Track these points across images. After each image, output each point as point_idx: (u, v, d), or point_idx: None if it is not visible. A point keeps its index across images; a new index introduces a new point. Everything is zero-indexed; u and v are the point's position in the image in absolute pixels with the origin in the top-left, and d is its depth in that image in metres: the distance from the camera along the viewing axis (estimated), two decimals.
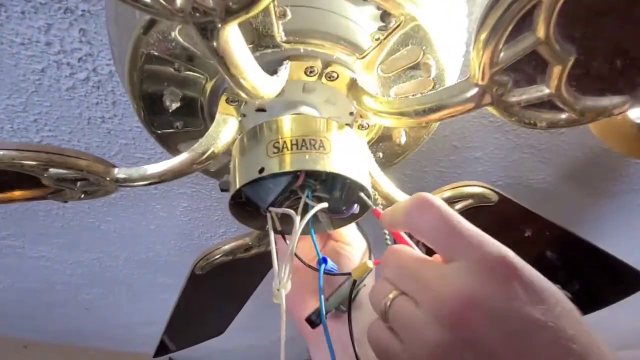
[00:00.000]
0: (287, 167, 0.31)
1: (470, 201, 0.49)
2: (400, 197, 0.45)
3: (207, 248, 0.54)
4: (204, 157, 0.39)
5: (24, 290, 1.23)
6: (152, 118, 0.41)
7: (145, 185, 0.38)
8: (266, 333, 1.66)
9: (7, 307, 1.35)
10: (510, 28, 0.26)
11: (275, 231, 0.36)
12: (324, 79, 0.37)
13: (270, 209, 0.33)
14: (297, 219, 0.33)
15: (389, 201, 0.45)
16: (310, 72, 0.36)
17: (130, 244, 1.02)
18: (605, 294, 0.66)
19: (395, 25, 0.33)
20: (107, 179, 0.36)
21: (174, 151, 0.47)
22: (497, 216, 0.53)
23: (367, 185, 0.34)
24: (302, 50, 0.35)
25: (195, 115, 0.41)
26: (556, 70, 0.28)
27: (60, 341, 1.77)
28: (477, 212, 0.52)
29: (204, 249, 0.55)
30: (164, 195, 0.83)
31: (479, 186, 0.48)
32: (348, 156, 0.33)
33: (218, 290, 0.60)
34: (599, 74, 0.29)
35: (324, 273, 0.36)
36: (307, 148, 0.32)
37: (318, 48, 0.35)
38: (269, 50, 0.34)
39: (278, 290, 0.32)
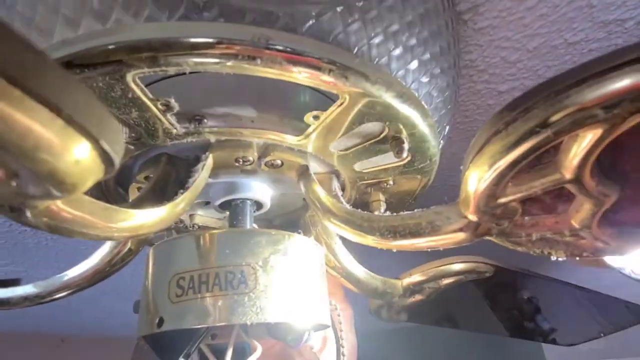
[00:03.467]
0: (192, 322, 0.21)
1: (460, 277, 0.40)
2: (371, 279, 0.37)
3: None
4: (119, 257, 0.30)
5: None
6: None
7: (44, 302, 0.29)
8: None
9: (37, 311, 1.34)
10: (522, 164, 0.16)
11: None
12: (264, 167, 0.27)
13: None
14: (229, 353, 0.25)
15: (360, 287, 0.37)
16: (245, 162, 0.26)
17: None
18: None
19: (339, 103, 0.23)
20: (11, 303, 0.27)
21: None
22: (493, 286, 0.45)
23: (311, 319, 0.25)
24: (225, 138, 0.25)
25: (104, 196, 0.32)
26: (587, 207, 0.19)
27: (93, 334, 1.84)
28: (468, 284, 0.43)
29: None
30: None
31: (470, 262, 0.39)
32: (282, 288, 0.23)
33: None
34: None
35: None
36: (220, 288, 0.22)
37: (248, 133, 0.25)
38: (179, 141, 0.24)
39: None
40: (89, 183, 0.10)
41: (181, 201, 0.22)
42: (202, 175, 0.23)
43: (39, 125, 0.08)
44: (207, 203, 0.33)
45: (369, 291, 0.36)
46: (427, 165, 0.29)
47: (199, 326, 0.21)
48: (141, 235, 0.20)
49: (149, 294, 0.24)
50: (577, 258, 0.22)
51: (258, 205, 0.31)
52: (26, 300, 0.27)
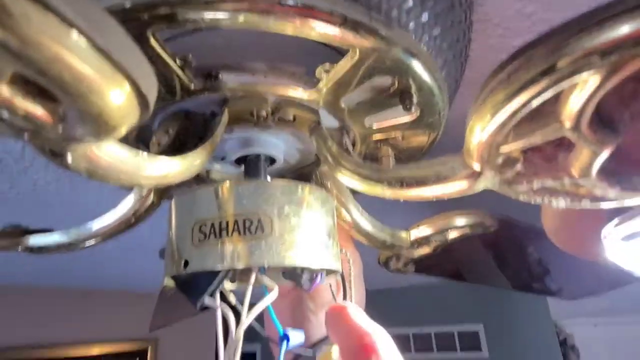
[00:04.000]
0: (214, 264, 0.23)
1: (466, 230, 0.42)
2: (380, 232, 0.39)
3: None
4: (142, 208, 0.32)
5: (70, 258, 1.31)
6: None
7: (75, 250, 0.32)
8: None
9: (62, 267, 1.47)
10: (524, 113, 0.17)
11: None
12: (277, 122, 0.28)
13: (205, 302, 0.26)
14: (246, 303, 0.27)
15: (370, 239, 0.39)
16: (258, 117, 0.27)
17: (149, 219, 1.01)
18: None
19: (349, 57, 0.23)
20: (18, 249, 0.29)
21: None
22: (498, 240, 0.47)
23: (323, 264, 0.27)
24: (241, 93, 0.26)
25: None
26: (587, 155, 0.19)
27: (116, 289, 1.96)
28: (474, 239, 0.45)
29: None
30: None
31: (475, 215, 0.40)
32: (296, 234, 0.25)
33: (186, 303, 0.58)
34: None
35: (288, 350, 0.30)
36: (239, 234, 0.24)
37: (262, 87, 0.26)
38: (198, 96, 0.25)
39: None
40: (126, 126, 0.12)
41: (200, 153, 0.23)
42: (218, 130, 0.24)
43: (90, 69, 0.09)
44: (223, 159, 0.35)
45: (378, 243, 0.38)
46: (436, 120, 0.29)
47: (219, 268, 0.23)
48: (164, 184, 0.21)
49: (174, 241, 0.26)
50: (578, 206, 0.24)
51: (271, 160, 0.33)
52: (60, 247, 0.29)
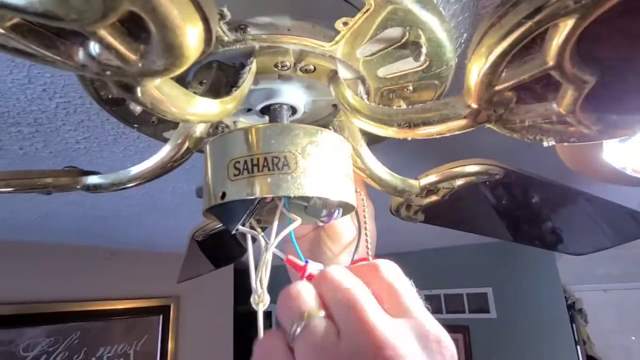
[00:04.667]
0: (248, 194, 0.27)
1: (472, 178, 0.45)
2: (391, 178, 0.42)
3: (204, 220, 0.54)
4: (179, 154, 0.36)
5: (96, 217, 1.40)
6: (126, 116, 0.37)
7: (122, 189, 0.36)
8: None
9: (89, 227, 1.57)
10: (513, 52, 0.20)
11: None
12: (299, 72, 0.32)
13: (239, 229, 0.31)
14: (274, 232, 0.31)
15: (382, 185, 0.42)
16: (283, 67, 0.31)
17: (171, 180, 1.06)
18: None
19: (365, 10, 0.26)
20: (78, 187, 0.34)
21: (161, 138, 0.44)
22: (503, 187, 0.50)
23: (341, 197, 0.31)
24: (267, 45, 0.29)
25: None
26: (570, 93, 0.22)
27: (140, 248, 2.08)
28: (480, 188, 0.48)
29: None
30: None
31: (482, 164, 0.43)
32: (318, 170, 0.29)
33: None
34: (625, 93, 0.23)
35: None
36: (269, 169, 0.28)
37: (286, 40, 0.29)
38: (228, 48, 0.29)
39: (257, 304, 0.32)
40: (192, 60, 0.15)
41: (234, 98, 0.27)
42: (248, 78, 0.28)
43: (177, 10, 0.12)
44: (249, 110, 0.38)
45: (390, 189, 0.42)
46: (444, 71, 0.32)
47: (253, 197, 0.28)
48: (205, 121, 0.25)
49: (211, 178, 0.30)
50: (565, 144, 0.27)
51: (293, 110, 0.36)
52: (112, 186, 0.34)
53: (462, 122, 0.25)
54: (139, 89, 0.19)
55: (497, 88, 0.22)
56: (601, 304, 3.32)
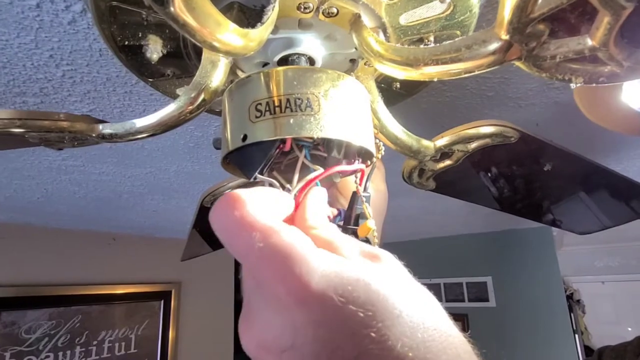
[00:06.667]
0: (270, 135, 0.27)
1: (487, 140, 0.45)
2: (407, 137, 0.42)
3: (214, 184, 0.54)
4: (194, 105, 0.36)
5: (98, 199, 1.38)
6: (141, 68, 0.36)
7: (135, 140, 0.36)
8: None
9: (90, 210, 1.56)
10: None
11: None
12: (321, 16, 0.31)
13: (258, 177, 0.30)
14: (296, 177, 0.31)
15: (397, 144, 0.42)
16: (305, 8, 0.30)
17: (175, 159, 1.06)
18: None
19: None
20: (93, 135, 0.34)
21: (174, 95, 0.43)
22: (517, 152, 0.49)
23: (363, 142, 0.30)
24: None
25: (185, 61, 0.37)
26: (606, 20, 0.22)
27: (142, 234, 2.08)
28: (494, 149, 0.48)
29: None
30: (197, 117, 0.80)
31: (497, 125, 0.43)
32: (340, 114, 0.28)
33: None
34: None
35: None
36: (291, 110, 0.27)
37: None
38: None
39: None
40: None
41: (260, 32, 0.26)
42: (272, 16, 0.27)
43: None
44: (266, 65, 0.38)
45: (405, 148, 0.41)
46: (467, 18, 0.32)
47: (275, 138, 0.27)
48: (228, 52, 0.24)
49: (230, 122, 0.29)
50: (594, 84, 0.26)
51: (311, 61, 0.36)
52: (128, 134, 0.33)
53: (491, 58, 0.24)
54: (171, 2, 0.18)
55: (533, 16, 0.22)
56: (599, 296, 3.35)
